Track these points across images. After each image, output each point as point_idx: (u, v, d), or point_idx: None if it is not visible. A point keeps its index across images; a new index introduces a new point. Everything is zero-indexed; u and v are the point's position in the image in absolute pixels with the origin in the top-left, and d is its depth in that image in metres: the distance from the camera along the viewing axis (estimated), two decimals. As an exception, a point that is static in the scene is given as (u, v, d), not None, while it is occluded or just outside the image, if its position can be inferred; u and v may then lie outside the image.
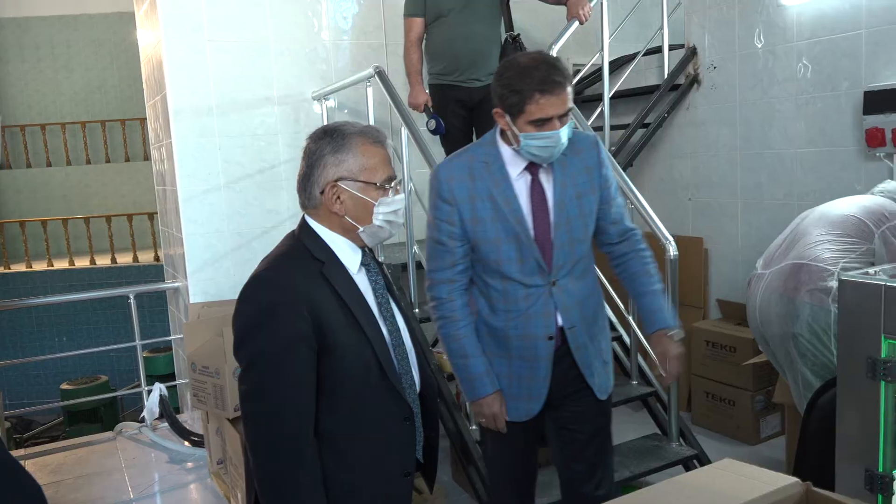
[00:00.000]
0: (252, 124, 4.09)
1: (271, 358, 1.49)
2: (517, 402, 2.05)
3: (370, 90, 3.65)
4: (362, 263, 1.65)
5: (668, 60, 4.13)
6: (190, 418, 4.38)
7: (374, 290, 1.66)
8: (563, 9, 3.62)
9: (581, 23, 3.55)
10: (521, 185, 1.97)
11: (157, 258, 9.40)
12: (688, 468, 3.12)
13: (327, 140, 1.58)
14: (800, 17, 3.55)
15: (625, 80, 4.21)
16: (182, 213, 3.98)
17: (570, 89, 1.87)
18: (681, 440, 3.15)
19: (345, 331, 1.55)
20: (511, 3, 3.80)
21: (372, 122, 3.65)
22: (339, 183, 1.57)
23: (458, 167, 2.00)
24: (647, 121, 4.09)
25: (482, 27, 3.69)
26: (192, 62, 3.92)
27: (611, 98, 3.87)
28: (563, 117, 1.87)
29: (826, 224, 2.72)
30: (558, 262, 1.98)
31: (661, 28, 4.08)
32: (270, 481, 1.49)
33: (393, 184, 1.61)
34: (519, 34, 3.75)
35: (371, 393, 1.59)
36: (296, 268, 1.56)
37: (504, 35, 3.79)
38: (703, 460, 3.06)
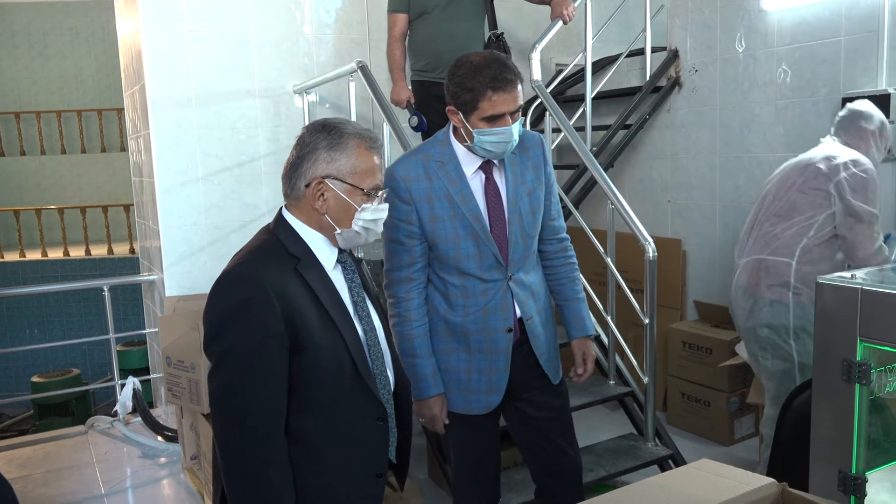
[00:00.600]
0: (232, 117, 4.04)
1: (242, 354, 1.45)
2: (478, 395, 2.09)
3: (352, 85, 3.63)
4: (338, 261, 1.63)
5: (650, 62, 4.15)
6: (164, 413, 4.33)
7: (350, 288, 1.64)
8: (547, 8, 3.63)
9: (565, 23, 3.56)
10: (476, 184, 2.03)
11: (132, 251, 9.28)
12: (663, 468, 3.14)
13: (324, 135, 1.55)
14: (781, 23, 3.58)
15: (607, 80, 4.23)
16: (159, 205, 3.93)
17: (520, 87, 1.92)
18: (656, 440, 3.17)
19: (319, 329, 1.52)
20: (495, 2, 3.80)
21: (354, 118, 3.64)
22: (326, 180, 1.54)
23: (414, 167, 2.02)
24: (628, 122, 4.11)
25: (466, 25, 3.68)
26: (171, 52, 3.87)
27: (593, 98, 3.89)
28: (514, 114, 1.92)
29: (783, 200, 2.74)
30: (514, 257, 2.05)
31: (644, 30, 4.10)
32: (239, 479, 1.46)
33: (380, 193, 1.60)
34: (503, 33, 3.75)
35: (344, 392, 1.56)
36: (270, 263, 1.52)
37: (488, 33, 3.79)
38: (679, 460, 3.08)
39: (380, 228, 1.64)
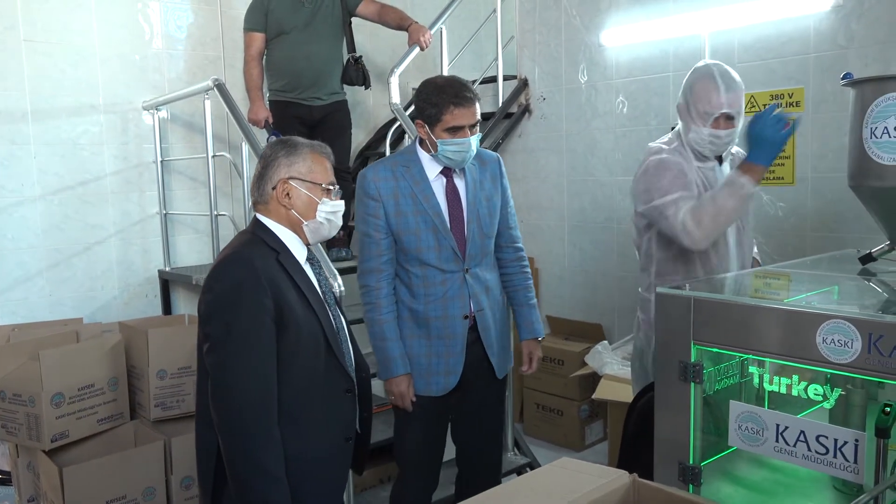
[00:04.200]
0: (74, 133, 3.80)
1: (241, 331, 1.69)
2: (437, 377, 2.33)
3: (208, 103, 3.54)
4: (308, 258, 1.91)
5: (502, 90, 4.37)
6: (-7, 454, 3.94)
7: (319, 282, 1.91)
8: (404, 34, 3.73)
9: (422, 49, 3.68)
10: (437, 186, 2.30)
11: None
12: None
13: (281, 146, 1.86)
14: (618, 58, 3.90)
15: (462, 106, 4.39)
16: (-11, 226, 3.61)
17: (477, 105, 2.24)
18: (515, 450, 3.31)
19: (299, 310, 1.77)
20: (353, 26, 3.85)
21: (209, 137, 3.55)
22: (289, 181, 1.83)
23: (383, 169, 2.31)
24: (483, 146, 4.28)
25: (324, 47, 3.71)
26: (4, 62, 3.59)
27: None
28: (472, 127, 2.23)
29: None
30: (471, 252, 2.32)
31: (497, 59, 4.32)
32: (241, 440, 1.68)
33: (334, 188, 1.88)
34: (361, 56, 3.81)
35: (319, 367, 1.82)
36: (257, 253, 1.77)
37: (346, 56, 3.84)
38: (536, 468, 3.22)
39: (339, 221, 1.90)
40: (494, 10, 4.29)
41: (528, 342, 2.54)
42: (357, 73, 3.92)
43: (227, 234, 4.21)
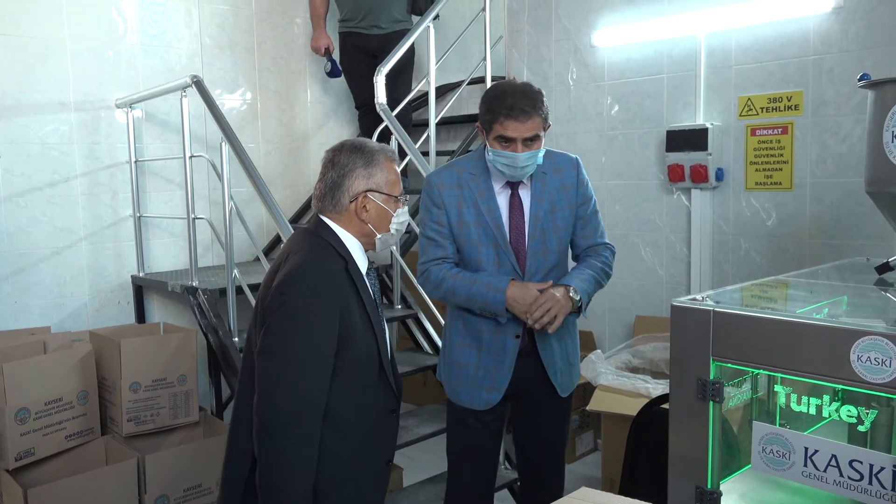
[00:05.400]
0: (42, 132, 3.61)
1: (306, 344, 1.65)
2: (480, 391, 2.24)
3: (186, 101, 3.37)
4: (367, 268, 1.86)
5: (490, 91, 4.24)
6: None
7: (374, 294, 1.85)
8: None
9: None
10: (502, 198, 2.22)
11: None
12: (513, 491, 3.17)
13: (358, 155, 1.80)
14: (610, 59, 3.81)
15: (449, 107, 4.28)
16: (-50, 229, 3.41)
17: (538, 120, 2.09)
18: (506, 464, 3.19)
19: (360, 325, 1.74)
20: None
21: (187, 136, 3.39)
22: (368, 194, 1.78)
23: (448, 176, 2.24)
24: (470, 148, 4.18)
25: None
26: (-33, 56, 3.40)
27: (437, 124, 3.90)
28: (528, 142, 2.09)
29: None
30: (531, 268, 2.21)
31: (485, 59, 4.20)
32: (277, 454, 1.63)
33: (403, 196, 1.86)
34: None
35: (371, 384, 1.79)
36: (330, 261, 1.74)
37: None
38: (529, 482, 3.11)
39: (404, 228, 1.91)
40: (483, 10, 4.18)
41: (554, 287, 2.14)
42: (427, 3, 3.93)
43: (204, 239, 4.05)
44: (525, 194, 2.23)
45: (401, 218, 1.86)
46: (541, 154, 2.17)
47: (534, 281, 2.20)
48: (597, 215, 2.35)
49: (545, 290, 2.13)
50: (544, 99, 2.13)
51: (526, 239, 2.21)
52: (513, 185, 2.22)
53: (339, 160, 1.80)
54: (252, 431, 1.69)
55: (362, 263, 1.83)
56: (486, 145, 2.20)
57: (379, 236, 1.83)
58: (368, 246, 1.85)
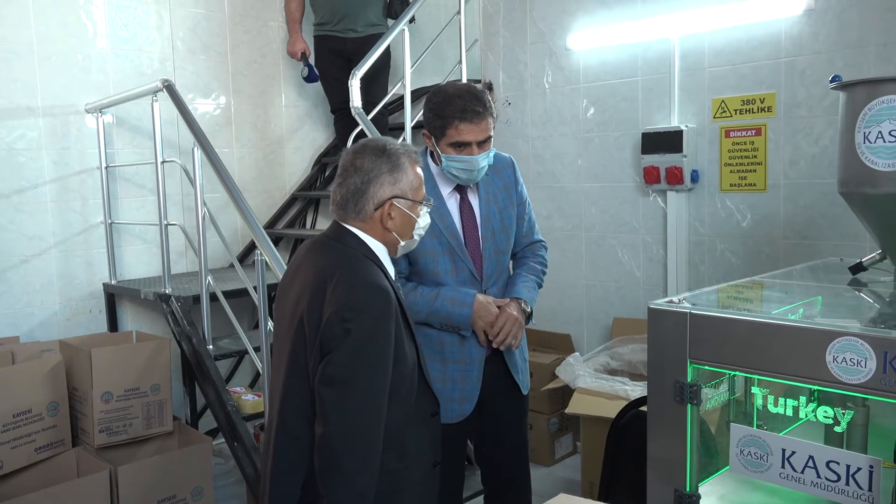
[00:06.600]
0: (9, 138, 3.53)
1: (371, 367, 1.59)
2: (451, 403, 2.18)
3: (157, 105, 3.32)
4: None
5: (465, 94, 4.23)
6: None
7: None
8: None
9: None
10: (452, 203, 2.18)
11: None
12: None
13: (384, 159, 1.69)
14: (585, 62, 3.82)
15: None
16: (-87, 238, 3.32)
17: (490, 120, 2.07)
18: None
19: (405, 337, 1.69)
20: None
21: (158, 141, 3.34)
22: (394, 200, 1.70)
23: None
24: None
25: None
26: (-70, 60, 3.32)
27: (413, 128, 3.89)
28: (481, 143, 2.07)
29: None
30: (488, 272, 2.20)
31: (460, 62, 4.19)
32: (349, 458, 1.57)
33: (427, 200, 1.80)
34: None
35: (414, 389, 1.74)
36: (378, 277, 1.65)
37: None
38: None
39: (424, 233, 1.83)
40: (458, 13, 4.17)
41: (507, 302, 2.21)
42: (403, 6, 3.92)
43: (178, 245, 3.99)
44: (473, 197, 2.21)
45: (423, 221, 1.80)
46: (492, 154, 2.16)
47: (490, 284, 2.21)
48: (531, 213, 2.38)
49: (502, 309, 2.18)
50: (490, 97, 2.14)
51: (480, 242, 2.20)
52: (461, 189, 2.19)
53: (363, 165, 1.69)
54: (305, 421, 1.64)
55: (391, 270, 1.76)
56: (430, 152, 2.17)
57: (402, 243, 1.77)
58: (390, 252, 1.79)
